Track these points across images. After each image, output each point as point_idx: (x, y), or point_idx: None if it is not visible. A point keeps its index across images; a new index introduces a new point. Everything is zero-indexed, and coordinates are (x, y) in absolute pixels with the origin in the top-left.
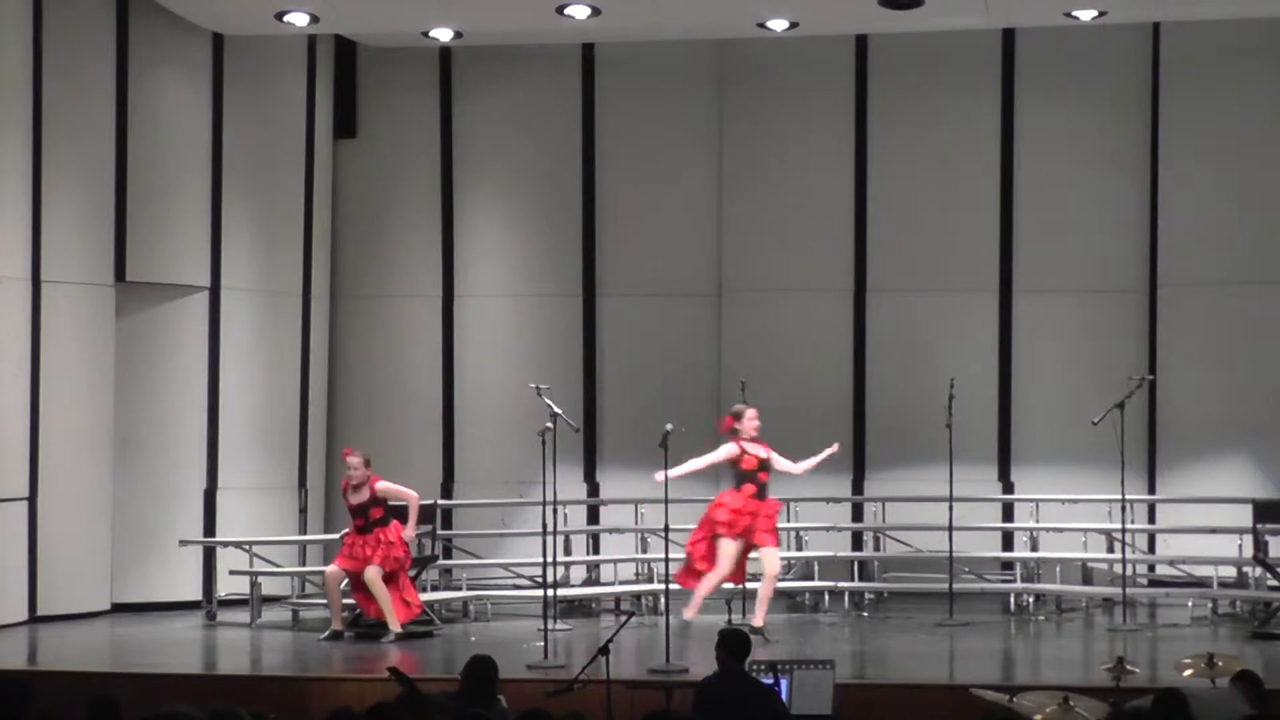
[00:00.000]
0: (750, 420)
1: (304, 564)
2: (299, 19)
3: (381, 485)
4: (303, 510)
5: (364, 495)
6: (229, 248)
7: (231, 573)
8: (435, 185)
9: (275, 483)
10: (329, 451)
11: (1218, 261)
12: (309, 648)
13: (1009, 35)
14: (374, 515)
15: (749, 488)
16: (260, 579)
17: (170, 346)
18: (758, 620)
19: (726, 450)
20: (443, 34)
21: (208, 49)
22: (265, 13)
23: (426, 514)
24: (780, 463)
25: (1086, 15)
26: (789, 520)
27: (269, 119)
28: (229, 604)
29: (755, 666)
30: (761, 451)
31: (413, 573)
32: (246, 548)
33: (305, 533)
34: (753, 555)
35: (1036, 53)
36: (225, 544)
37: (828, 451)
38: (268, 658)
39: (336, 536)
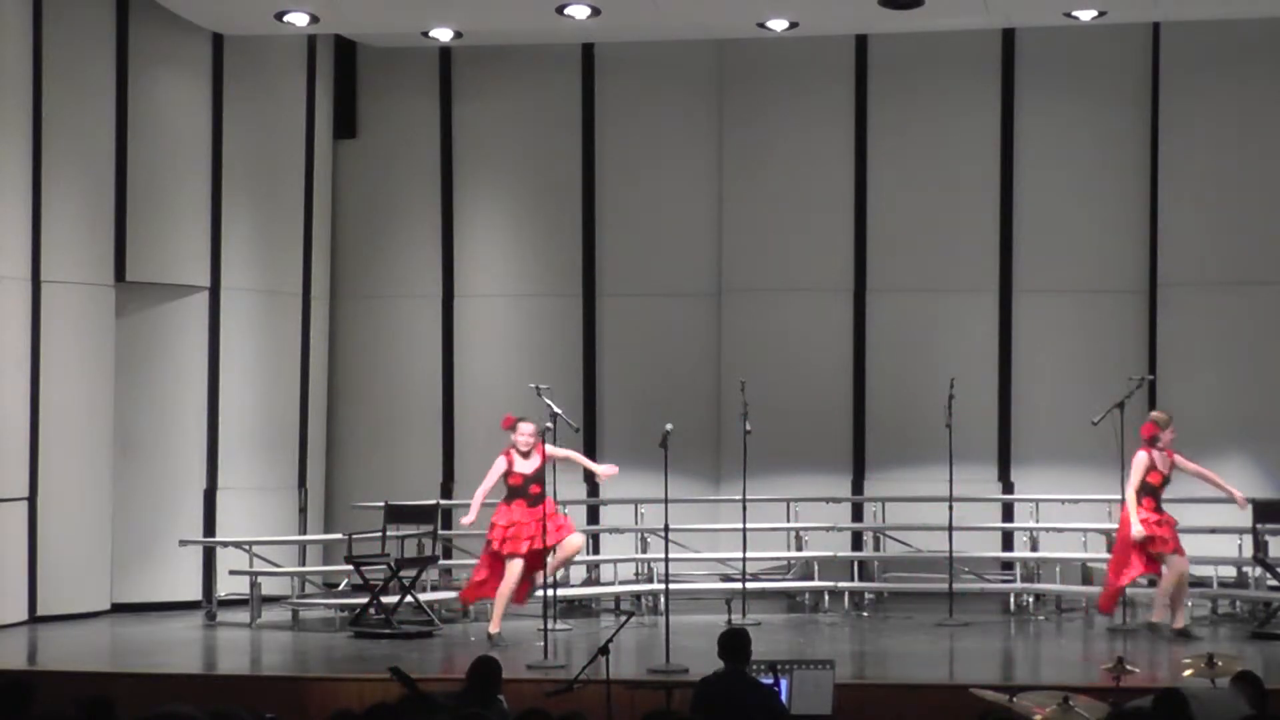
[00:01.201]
0: (1170, 433)
1: (304, 564)
2: (299, 19)
3: (549, 450)
4: (302, 510)
5: (537, 463)
6: (229, 248)
7: (231, 573)
8: (435, 185)
9: (275, 482)
10: (329, 451)
11: (1217, 261)
12: (309, 648)
13: (1009, 35)
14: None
15: (1150, 502)
16: (260, 579)
17: (170, 346)
18: (1179, 621)
19: (1141, 464)
20: (443, 34)
21: (208, 49)
22: (265, 13)
23: (426, 514)
24: (1189, 466)
25: (1086, 15)
26: (789, 520)
27: (269, 119)
28: (229, 604)
29: (755, 666)
30: (1169, 465)
31: (412, 573)
32: (246, 548)
33: (305, 533)
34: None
35: (1036, 53)
36: (225, 544)
37: (1236, 493)
38: (268, 658)
39: (338, 536)
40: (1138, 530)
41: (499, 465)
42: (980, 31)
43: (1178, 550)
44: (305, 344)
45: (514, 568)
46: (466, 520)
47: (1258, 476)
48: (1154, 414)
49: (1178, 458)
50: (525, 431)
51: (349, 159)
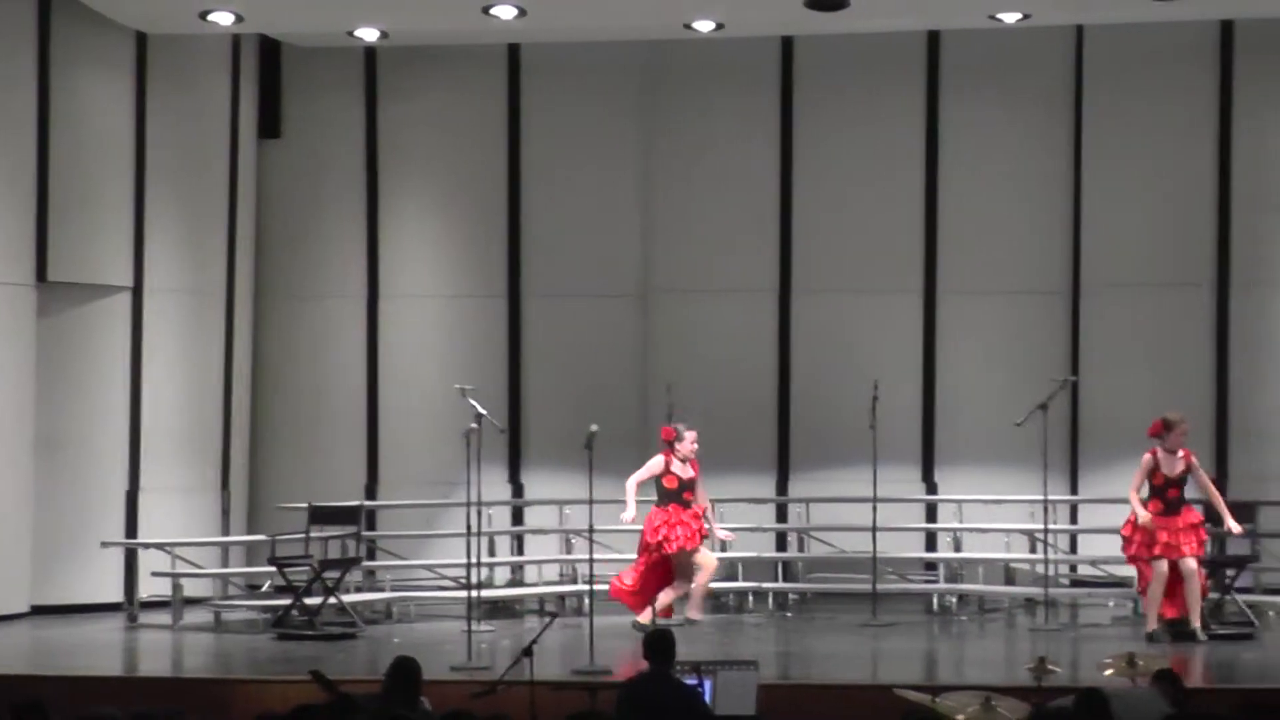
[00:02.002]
0: (1177, 435)
1: (226, 566)
2: (223, 18)
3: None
4: (225, 512)
5: (692, 472)
6: (152, 247)
7: (153, 574)
8: (360, 186)
9: (198, 484)
10: (252, 452)
11: (1140, 262)
12: (232, 650)
13: (934, 37)
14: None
15: (1156, 504)
16: (182, 581)
17: (92, 347)
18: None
19: (1142, 464)
20: (368, 34)
21: (131, 47)
22: (189, 11)
23: (350, 515)
24: (1200, 477)
25: (1011, 18)
26: (714, 521)
27: (193, 118)
28: (151, 606)
29: (679, 667)
30: (1179, 467)
31: (336, 575)
32: (168, 549)
33: (228, 534)
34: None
35: (962, 55)
36: (147, 546)
37: (1231, 523)
38: (190, 660)
39: (261, 538)
40: (1144, 518)
41: (657, 463)
42: (906, 33)
43: (1161, 556)
44: (229, 345)
45: (708, 561)
46: (628, 516)
47: None
48: (1168, 412)
49: (1194, 460)
50: (691, 439)
51: (273, 159)
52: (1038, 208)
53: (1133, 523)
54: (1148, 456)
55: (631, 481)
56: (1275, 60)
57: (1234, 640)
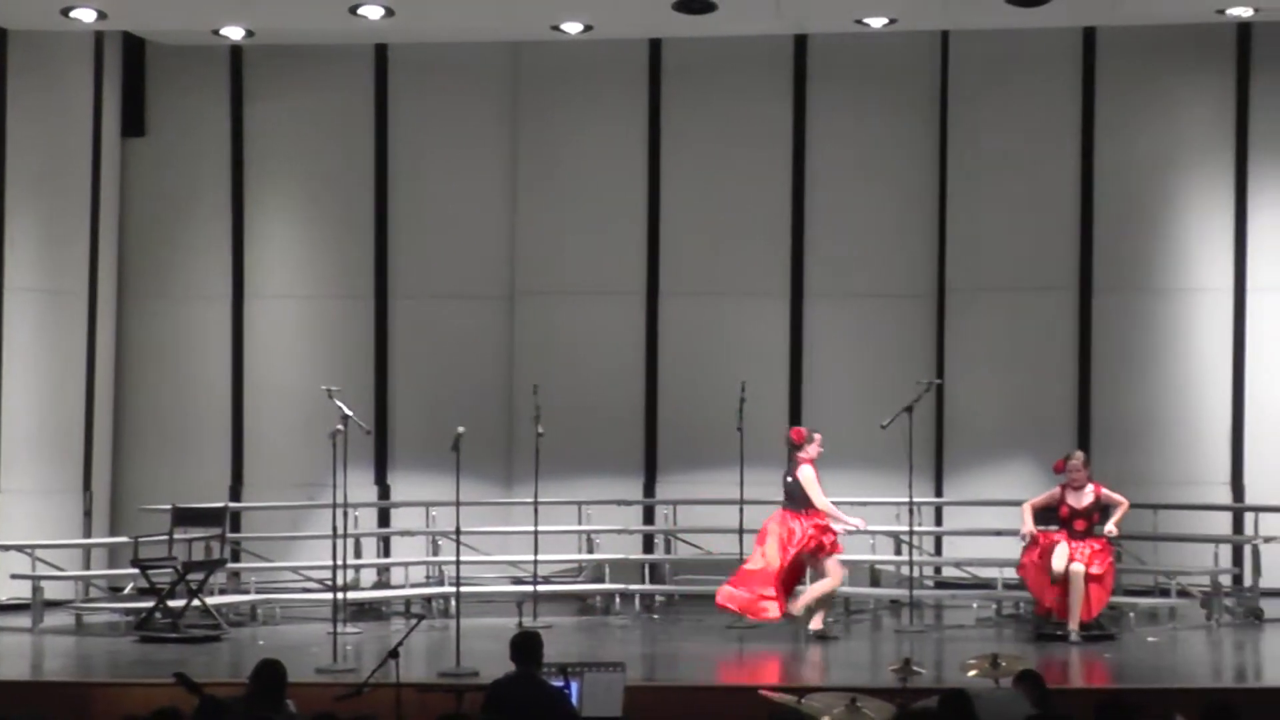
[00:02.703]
0: (1072, 471)
1: (88, 568)
2: (85, 15)
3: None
4: (87, 513)
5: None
6: (13, 246)
7: (13, 577)
8: (225, 185)
9: (59, 485)
10: (115, 453)
11: (1004, 266)
12: (93, 653)
13: (801, 41)
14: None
15: (1063, 534)
16: (43, 583)
17: None
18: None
19: (1052, 493)
20: (234, 32)
21: None
22: (51, 8)
23: (214, 517)
24: (1113, 496)
25: (877, 22)
26: (580, 523)
27: (55, 116)
28: (10, 609)
29: (546, 669)
30: (1086, 500)
31: (200, 577)
32: (28, 551)
33: (90, 536)
34: None
35: (829, 58)
36: (7, 548)
37: (1113, 525)
38: (50, 663)
39: (124, 539)
40: (1024, 525)
41: (813, 472)
42: (773, 36)
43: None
44: (92, 345)
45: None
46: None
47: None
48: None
49: (1104, 491)
50: (819, 440)
51: (137, 157)
52: (903, 211)
53: (1025, 557)
54: (1056, 490)
55: (825, 501)
56: (1137, 67)
57: (1097, 641)
